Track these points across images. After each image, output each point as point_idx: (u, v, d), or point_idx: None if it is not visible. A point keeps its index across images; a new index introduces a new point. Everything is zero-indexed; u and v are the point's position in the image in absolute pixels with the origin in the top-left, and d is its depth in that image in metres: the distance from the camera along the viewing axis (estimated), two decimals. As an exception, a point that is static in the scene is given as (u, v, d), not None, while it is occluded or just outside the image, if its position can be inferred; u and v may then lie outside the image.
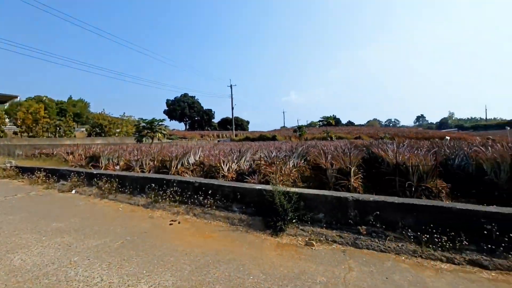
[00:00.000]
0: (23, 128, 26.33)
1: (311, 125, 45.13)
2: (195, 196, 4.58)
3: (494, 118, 77.44)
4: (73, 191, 5.87)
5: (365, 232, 3.41)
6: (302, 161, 7.95)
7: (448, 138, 15.82)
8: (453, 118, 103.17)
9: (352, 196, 3.63)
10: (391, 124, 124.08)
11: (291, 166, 6.81)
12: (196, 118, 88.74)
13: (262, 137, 39.36)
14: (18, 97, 37.94)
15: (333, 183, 4.97)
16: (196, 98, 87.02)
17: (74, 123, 30.04)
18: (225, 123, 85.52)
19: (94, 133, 31.03)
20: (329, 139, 29.83)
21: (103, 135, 30.80)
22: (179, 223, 4.10)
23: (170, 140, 23.25)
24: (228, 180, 6.10)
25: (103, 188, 5.54)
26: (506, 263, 2.79)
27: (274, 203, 3.78)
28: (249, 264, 2.87)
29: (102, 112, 33.64)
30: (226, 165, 6.50)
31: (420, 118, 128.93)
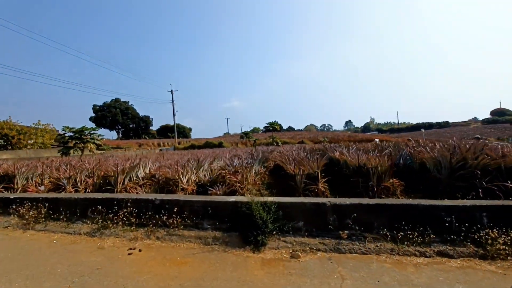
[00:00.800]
0: None
1: (254, 131, 46.02)
2: (157, 216, 3.94)
3: (404, 122, 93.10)
4: (-21, 225, 4.42)
5: (345, 236, 3.43)
6: (262, 168, 7.88)
7: (378, 140, 18.09)
8: (374, 122, 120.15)
9: (329, 201, 3.63)
10: (325, 129, 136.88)
11: (253, 174, 6.64)
12: (131, 126, 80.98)
13: (208, 144, 38.38)
14: None
15: (302, 188, 4.97)
16: (130, 103, 79.52)
17: (-34, 134, 23.43)
18: (165, 131, 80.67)
19: (-3, 145, 24.94)
20: (275, 144, 30.90)
21: (10, 147, 25.04)
22: (140, 251, 3.44)
23: (102, 151, 20.39)
24: (188, 193, 5.55)
25: (26, 217, 4.30)
26: (466, 251, 3.14)
27: (253, 215, 3.51)
28: (239, 290, 2.53)
29: (8, 120, 27.28)
30: (185, 176, 5.91)
31: (348, 123, 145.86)
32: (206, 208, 3.93)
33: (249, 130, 47.74)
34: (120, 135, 78.42)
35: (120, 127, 78.85)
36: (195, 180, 6.14)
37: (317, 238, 3.50)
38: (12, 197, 4.78)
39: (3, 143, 24.20)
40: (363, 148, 7.81)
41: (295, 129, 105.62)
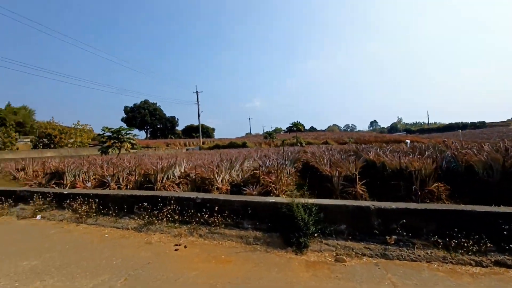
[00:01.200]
0: None
1: (276, 131, 45.84)
2: (199, 214, 4.08)
3: (435, 123, 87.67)
4: (38, 217, 4.84)
5: (392, 242, 3.31)
6: (292, 168, 7.85)
7: (408, 141, 17.23)
8: (402, 122, 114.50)
9: (373, 205, 3.53)
10: (349, 129, 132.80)
11: (285, 174, 6.63)
12: (158, 126, 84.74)
13: (232, 145, 38.90)
14: None
15: (340, 190, 4.88)
16: (158, 105, 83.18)
17: (16, 133, 26.00)
18: (190, 131, 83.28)
19: (41, 144, 27.28)
20: (299, 144, 30.60)
21: (53, 146, 27.27)
22: (185, 247, 3.58)
23: (135, 150, 21.49)
24: (223, 193, 5.68)
25: (79, 211, 4.66)
26: (529, 262, 2.91)
27: (294, 216, 3.52)
28: (288, 291, 2.54)
29: (51, 121, 29.80)
30: (220, 176, 6.06)
31: (374, 123, 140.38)
32: (245, 208, 4.00)
33: (271, 130, 47.75)
34: (149, 135, 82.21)
35: (148, 127, 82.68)
36: (228, 180, 6.27)
37: (361, 243, 3.42)
38: (65, 192, 5.19)
39: (46, 142, 26.47)
40: (399, 150, 7.49)
41: (318, 129, 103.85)
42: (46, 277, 2.87)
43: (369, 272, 2.89)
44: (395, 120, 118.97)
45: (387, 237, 3.33)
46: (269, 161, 7.62)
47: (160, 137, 76.74)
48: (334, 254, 3.26)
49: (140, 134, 79.37)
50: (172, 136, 77.68)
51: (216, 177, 5.90)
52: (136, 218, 4.42)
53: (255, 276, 2.84)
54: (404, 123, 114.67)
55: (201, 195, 4.43)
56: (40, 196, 5.21)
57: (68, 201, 4.94)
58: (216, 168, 6.25)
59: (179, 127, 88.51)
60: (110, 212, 4.59)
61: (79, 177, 7.06)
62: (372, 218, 3.49)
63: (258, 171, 6.40)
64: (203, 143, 49.45)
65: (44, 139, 27.00)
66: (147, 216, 4.28)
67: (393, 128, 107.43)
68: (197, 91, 51.02)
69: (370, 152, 6.91)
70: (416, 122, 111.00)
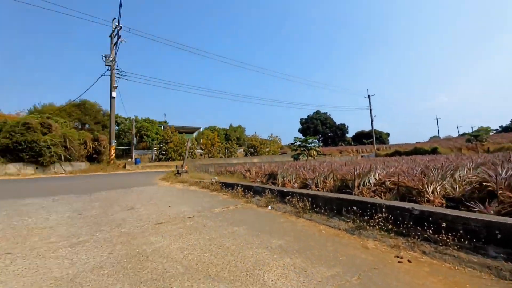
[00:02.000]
0: (205, 151, 35.28)
1: (481, 131, 32.95)
2: (419, 228, 3.70)
3: None
4: (269, 207, 6.46)
5: None
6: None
7: None
8: None
9: None
10: None
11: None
12: (329, 134, 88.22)
13: (417, 150, 32.69)
14: (201, 128, 51.32)
15: None
16: (328, 114, 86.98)
17: (236, 145, 37.60)
18: (361, 137, 79.71)
19: (249, 152, 37.15)
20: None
21: (256, 154, 36.23)
22: (409, 261, 3.34)
23: (315, 157, 23.66)
24: (435, 206, 4.83)
25: (297, 207, 5.72)
26: None
27: None
28: None
29: (254, 135, 40.19)
30: (430, 187, 5.22)
31: None
32: (490, 229, 3.14)
33: (472, 131, 35.29)
34: (321, 143, 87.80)
35: (320, 135, 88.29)
36: (440, 192, 5.28)
37: None
38: (285, 190, 6.58)
39: (252, 151, 35.77)
40: None
41: None
42: (292, 256, 3.67)
43: None
44: None
45: None
46: (503, 170, 5.63)
47: (330, 144, 79.44)
48: None
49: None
50: (342, 143, 77.94)
51: (426, 187, 5.13)
52: (346, 220, 4.73)
53: (535, 326, 2.12)
54: None
55: (418, 206, 3.99)
56: (269, 191, 6.94)
57: (288, 198, 6.20)
58: (425, 177, 5.45)
59: (349, 134, 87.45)
60: (322, 211, 5.24)
61: (285, 178, 8.69)
62: None
63: (489, 184, 4.93)
64: (378, 149, 45.45)
65: (251, 149, 36.58)
66: (357, 220, 4.46)
67: None
68: (368, 95, 48.33)
69: None
70: None
